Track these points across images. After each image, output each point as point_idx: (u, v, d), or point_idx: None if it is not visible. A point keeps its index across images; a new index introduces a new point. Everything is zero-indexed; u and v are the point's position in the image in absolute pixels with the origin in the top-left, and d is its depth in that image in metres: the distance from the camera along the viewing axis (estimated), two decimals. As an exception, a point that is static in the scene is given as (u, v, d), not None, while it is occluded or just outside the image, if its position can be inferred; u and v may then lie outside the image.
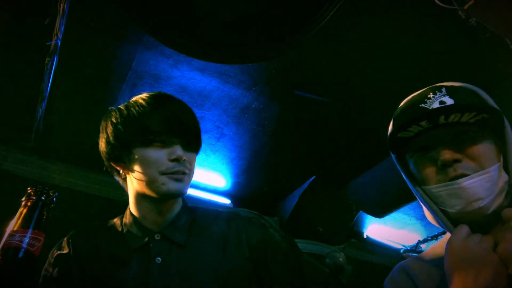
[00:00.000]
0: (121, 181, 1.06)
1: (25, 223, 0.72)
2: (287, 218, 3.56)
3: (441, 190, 0.80)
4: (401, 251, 4.37)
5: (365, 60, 2.25)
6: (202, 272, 0.92)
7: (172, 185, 0.92)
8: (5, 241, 0.70)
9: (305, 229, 3.51)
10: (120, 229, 1.01)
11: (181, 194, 0.95)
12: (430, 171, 0.82)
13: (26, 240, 0.70)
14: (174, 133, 0.94)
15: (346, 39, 2.12)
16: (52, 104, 2.50)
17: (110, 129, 0.97)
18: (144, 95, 1.00)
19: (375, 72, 2.32)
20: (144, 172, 0.93)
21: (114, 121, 0.97)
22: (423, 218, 3.88)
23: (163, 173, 0.92)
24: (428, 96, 0.85)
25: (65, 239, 0.99)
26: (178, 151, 0.93)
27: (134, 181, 0.97)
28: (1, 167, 2.90)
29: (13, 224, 0.72)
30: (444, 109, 0.78)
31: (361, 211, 3.53)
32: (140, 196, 0.99)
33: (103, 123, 1.00)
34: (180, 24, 1.88)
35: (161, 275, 0.90)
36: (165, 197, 0.95)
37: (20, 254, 0.69)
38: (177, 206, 1.03)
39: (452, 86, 0.86)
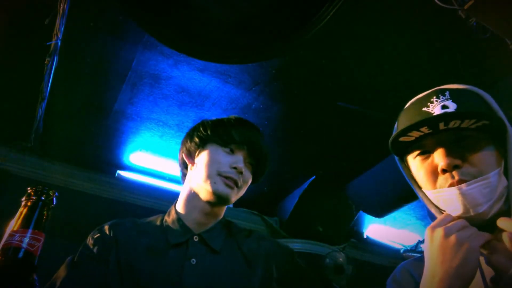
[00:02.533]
0: (182, 177, 1.17)
1: (25, 223, 0.72)
2: (287, 218, 3.56)
3: (441, 195, 0.81)
4: (401, 251, 4.37)
5: (364, 60, 2.25)
6: (230, 282, 0.96)
7: (221, 187, 1.02)
8: (5, 241, 0.70)
9: (305, 229, 3.51)
10: (159, 224, 1.06)
11: (226, 199, 1.03)
12: (430, 176, 0.83)
13: (26, 240, 0.70)
14: (247, 148, 1.07)
15: (346, 39, 2.12)
16: (52, 104, 2.50)
17: (198, 130, 1.12)
18: (237, 116, 1.17)
19: (375, 72, 2.32)
20: (205, 168, 1.03)
21: (205, 124, 1.12)
22: (423, 218, 3.88)
23: (219, 174, 1.02)
24: (431, 99, 0.85)
25: (107, 225, 1.03)
26: (241, 163, 1.05)
27: (193, 178, 1.07)
28: (1, 167, 2.90)
29: (13, 224, 0.72)
30: (443, 116, 0.78)
31: (361, 211, 3.53)
32: (192, 194, 1.06)
33: (194, 126, 1.16)
34: (180, 24, 1.88)
35: (193, 276, 0.94)
36: (212, 196, 1.02)
37: (20, 254, 0.69)
38: (220, 215, 1.10)
39: (456, 90, 0.86)
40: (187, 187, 1.08)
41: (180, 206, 1.08)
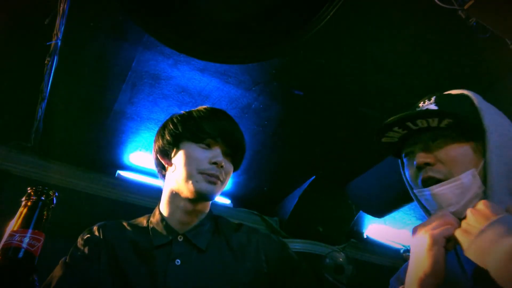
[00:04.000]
0: (160, 178, 1.14)
1: (25, 223, 0.72)
2: (287, 218, 3.56)
3: (419, 195, 0.85)
4: (401, 251, 4.37)
5: (365, 60, 2.25)
6: (218, 280, 0.95)
7: (204, 185, 0.99)
8: (5, 241, 0.70)
9: (305, 229, 3.51)
10: (145, 226, 1.05)
11: (210, 196, 1.01)
12: (412, 175, 0.87)
13: (26, 240, 0.70)
14: (223, 140, 1.03)
15: (346, 39, 2.12)
16: (52, 104, 2.50)
17: (169, 127, 1.08)
18: (206, 106, 1.12)
19: (375, 72, 2.32)
20: (184, 168, 1.00)
21: (175, 121, 1.08)
22: (423, 218, 3.86)
23: (200, 172, 0.99)
24: (419, 105, 0.89)
25: (95, 226, 1.03)
26: (219, 157, 1.01)
27: (173, 178, 1.04)
28: (1, 167, 2.90)
29: (13, 224, 0.72)
30: (410, 115, 0.82)
31: (361, 211, 3.53)
32: (173, 195, 1.04)
33: (164, 123, 1.12)
34: (180, 24, 1.88)
35: (178, 277, 0.93)
36: (195, 196, 1.00)
37: (20, 254, 0.69)
38: (204, 211, 1.07)
39: (445, 95, 0.90)
40: (168, 188, 1.06)
41: (163, 207, 1.07)
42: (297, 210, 3.49)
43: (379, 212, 3.38)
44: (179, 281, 0.92)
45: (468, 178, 0.79)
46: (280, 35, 1.96)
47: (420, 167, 0.83)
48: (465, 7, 1.40)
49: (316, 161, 3.22)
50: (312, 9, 1.81)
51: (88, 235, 1.00)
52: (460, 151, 0.81)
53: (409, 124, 0.83)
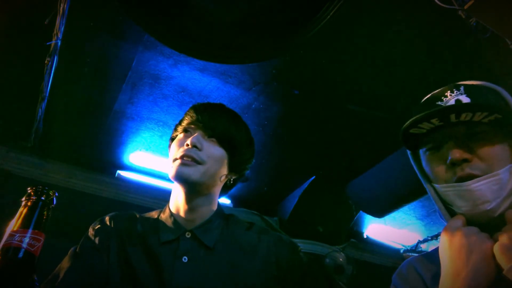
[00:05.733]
0: None
1: (25, 223, 0.71)
2: (287, 218, 3.56)
3: (449, 190, 0.80)
4: (401, 251, 4.37)
5: (364, 59, 2.25)
6: (225, 280, 0.93)
7: (178, 169, 0.97)
8: (5, 241, 0.70)
9: (305, 229, 3.51)
10: (155, 221, 1.04)
11: (188, 178, 0.97)
12: (440, 169, 0.82)
13: (26, 240, 0.69)
14: (203, 125, 1.01)
15: (346, 39, 2.12)
16: (52, 104, 2.50)
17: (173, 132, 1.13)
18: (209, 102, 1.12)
19: (375, 72, 2.32)
20: (168, 158, 1.03)
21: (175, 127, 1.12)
22: (423, 218, 3.88)
23: (176, 158, 0.99)
24: (446, 94, 0.84)
25: (107, 216, 1.03)
26: (194, 138, 0.99)
27: None
28: (1, 167, 2.90)
29: (13, 224, 0.72)
30: (455, 107, 0.77)
31: (361, 211, 3.53)
32: (173, 189, 1.06)
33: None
34: (180, 24, 1.88)
35: (185, 274, 0.91)
36: (175, 180, 0.99)
37: (20, 254, 0.68)
38: (209, 206, 1.04)
39: (471, 85, 0.85)
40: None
41: (171, 202, 1.07)
42: (297, 210, 3.49)
43: (379, 212, 3.37)
44: (185, 279, 0.91)
45: (506, 174, 0.76)
46: (280, 35, 1.96)
47: (455, 163, 0.78)
48: (465, 7, 1.39)
49: (316, 161, 3.21)
50: (313, 9, 1.81)
51: (100, 225, 0.99)
52: (499, 147, 0.78)
53: (452, 116, 0.77)
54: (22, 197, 0.76)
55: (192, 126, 1.03)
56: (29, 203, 0.74)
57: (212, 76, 2.41)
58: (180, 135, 1.04)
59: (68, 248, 0.99)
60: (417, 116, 0.80)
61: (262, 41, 1.99)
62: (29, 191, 0.76)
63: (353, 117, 2.68)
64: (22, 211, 0.74)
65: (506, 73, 2.11)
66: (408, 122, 0.82)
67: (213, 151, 1.01)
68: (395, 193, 3.03)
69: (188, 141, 0.98)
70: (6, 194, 2.68)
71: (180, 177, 0.97)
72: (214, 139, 1.02)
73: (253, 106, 2.65)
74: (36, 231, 0.71)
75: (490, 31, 1.58)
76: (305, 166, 3.28)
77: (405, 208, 3.50)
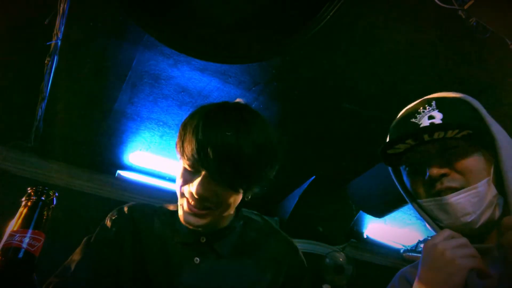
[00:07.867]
0: None
1: (25, 223, 0.71)
2: (287, 218, 3.56)
3: (430, 204, 0.83)
4: (401, 251, 4.37)
5: (364, 59, 2.25)
6: (234, 286, 0.92)
7: (187, 216, 0.88)
8: (5, 241, 0.70)
9: (305, 229, 3.51)
10: (173, 218, 0.99)
11: (197, 226, 0.88)
12: (420, 185, 0.86)
13: (26, 240, 0.69)
14: (201, 164, 0.81)
15: (346, 39, 2.12)
16: (52, 104, 2.50)
17: (179, 132, 0.90)
18: (211, 107, 0.89)
19: (376, 72, 2.32)
20: (176, 183, 0.90)
21: (182, 128, 0.89)
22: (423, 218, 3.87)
23: (183, 196, 0.87)
24: (419, 110, 0.87)
25: (126, 207, 1.01)
26: (200, 187, 0.82)
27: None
28: (1, 167, 2.90)
29: (13, 224, 0.72)
30: (427, 129, 0.80)
31: (361, 211, 3.53)
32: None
33: (182, 123, 0.94)
34: (180, 24, 1.87)
35: (195, 276, 0.91)
36: (185, 223, 0.89)
37: (20, 254, 0.68)
38: (228, 215, 0.96)
39: (443, 99, 0.88)
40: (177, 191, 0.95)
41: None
42: (297, 210, 3.49)
43: (379, 212, 3.38)
44: (195, 280, 0.90)
45: (485, 187, 0.78)
46: (280, 35, 1.96)
47: (434, 179, 0.81)
48: (465, 7, 1.40)
49: (316, 161, 3.22)
50: (312, 9, 1.81)
51: (117, 216, 0.98)
52: (473, 159, 0.80)
53: (425, 136, 0.80)
54: (22, 197, 0.75)
55: (192, 165, 0.85)
56: (29, 203, 0.74)
57: (212, 76, 2.41)
58: (186, 165, 0.86)
59: (68, 248, 0.99)
60: (392, 138, 0.85)
61: (262, 41, 1.99)
62: (29, 191, 0.76)
63: (353, 117, 2.69)
64: (22, 211, 0.73)
65: (506, 73, 2.11)
66: (384, 144, 0.86)
67: (226, 196, 0.86)
68: (395, 193, 3.03)
69: (194, 190, 0.82)
70: (6, 194, 2.68)
71: (189, 225, 0.88)
72: (225, 178, 0.83)
73: (253, 106, 2.65)
74: (36, 231, 0.71)
75: (490, 31, 1.58)
76: (305, 166, 3.28)
77: (405, 208, 3.50)
